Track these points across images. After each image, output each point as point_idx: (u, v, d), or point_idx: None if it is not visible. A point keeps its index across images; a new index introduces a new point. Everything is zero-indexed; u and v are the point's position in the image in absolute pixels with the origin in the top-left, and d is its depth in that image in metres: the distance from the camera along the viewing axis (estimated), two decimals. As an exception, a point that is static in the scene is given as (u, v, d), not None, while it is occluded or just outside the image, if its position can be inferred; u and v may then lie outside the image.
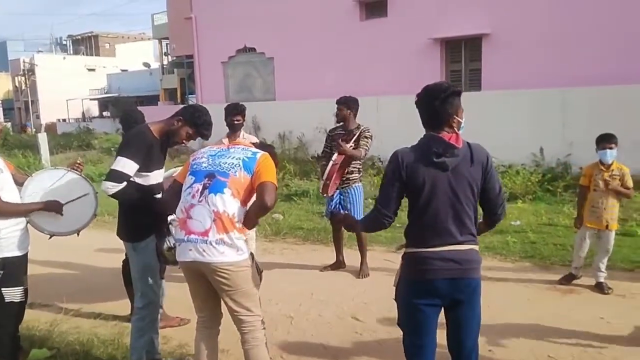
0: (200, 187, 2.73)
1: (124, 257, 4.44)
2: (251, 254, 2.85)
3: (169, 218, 3.25)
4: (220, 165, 2.77)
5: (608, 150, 4.57)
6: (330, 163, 4.91)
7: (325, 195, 5.21)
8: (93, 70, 51.40)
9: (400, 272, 2.57)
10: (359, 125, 5.20)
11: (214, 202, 2.68)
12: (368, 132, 5.12)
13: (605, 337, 3.79)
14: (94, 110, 46.32)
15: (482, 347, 2.91)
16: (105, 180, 3.10)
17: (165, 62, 32.39)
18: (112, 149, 18.68)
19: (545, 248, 5.94)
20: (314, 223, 7.62)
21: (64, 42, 70.55)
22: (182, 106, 3.48)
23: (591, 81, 10.08)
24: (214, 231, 2.67)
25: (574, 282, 4.87)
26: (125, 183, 3.06)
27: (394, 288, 2.62)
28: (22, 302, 3.26)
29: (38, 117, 44.66)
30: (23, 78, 50.29)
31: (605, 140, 4.59)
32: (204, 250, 2.67)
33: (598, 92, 9.65)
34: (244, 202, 2.76)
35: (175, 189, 2.91)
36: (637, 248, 5.79)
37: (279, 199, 9.56)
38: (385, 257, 5.85)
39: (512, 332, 3.90)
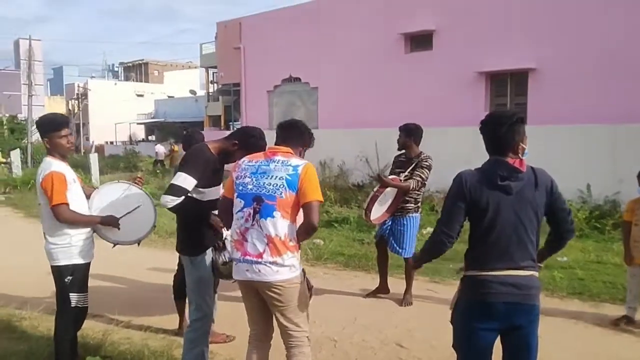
0: (251, 211, 2.83)
1: (175, 273, 4.61)
2: (303, 270, 2.93)
3: (224, 234, 3.39)
4: (265, 187, 2.82)
5: None
6: (372, 193, 4.98)
7: (368, 222, 5.25)
8: (142, 95, 53.59)
9: (458, 295, 2.60)
10: (420, 153, 5.13)
11: (265, 227, 2.78)
12: (425, 161, 5.03)
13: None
14: (140, 134, 48.07)
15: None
16: (164, 194, 3.27)
17: (211, 90, 33.40)
18: (158, 171, 19.35)
19: (594, 285, 5.77)
20: (354, 250, 7.65)
21: (116, 69, 74.10)
22: (238, 128, 3.62)
23: (642, 118, 9.87)
24: (268, 254, 2.77)
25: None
26: (183, 197, 3.21)
27: (450, 311, 2.64)
28: (85, 307, 3.45)
29: (87, 139, 46.66)
30: (76, 102, 52.85)
31: None
32: (259, 270, 2.78)
33: (650, 129, 9.45)
34: (293, 219, 2.85)
35: (226, 205, 3.01)
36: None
37: (320, 224, 9.70)
38: (429, 287, 5.82)
39: (561, 367, 3.81)
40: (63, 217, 3.26)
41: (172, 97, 48.72)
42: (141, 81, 62.78)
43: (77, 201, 3.39)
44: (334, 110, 15.71)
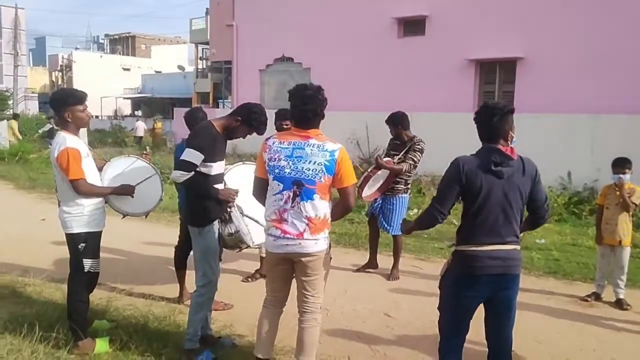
0: (291, 194, 3.00)
1: (176, 244, 4.85)
2: (329, 242, 3.18)
3: (231, 207, 3.63)
4: (304, 172, 2.98)
5: (621, 175, 4.88)
6: (365, 173, 5.26)
7: (360, 199, 5.54)
8: (128, 70, 52.89)
9: (448, 265, 2.93)
10: (413, 137, 5.40)
11: (306, 209, 2.99)
12: (418, 145, 5.31)
13: (619, 345, 4.08)
14: (126, 108, 47.57)
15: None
16: (175, 169, 3.50)
17: (200, 66, 33.16)
18: (147, 147, 19.37)
19: (568, 265, 6.17)
20: (345, 228, 7.95)
21: (101, 41, 72.71)
22: (241, 104, 3.80)
23: (623, 109, 10.25)
24: (308, 233, 3.01)
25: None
26: (193, 172, 3.43)
27: (440, 277, 2.99)
28: (97, 272, 3.68)
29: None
30: (60, 74, 51.98)
31: (618, 165, 4.92)
32: (299, 244, 3.02)
33: (629, 120, 9.84)
34: (329, 198, 3.09)
35: (261, 184, 3.19)
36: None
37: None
38: (414, 264, 6.16)
39: (532, 337, 4.16)
40: (81, 190, 3.46)
41: (160, 72, 48.20)
42: (128, 55, 61.78)
43: (90, 173, 3.59)
44: (326, 92, 15.67)
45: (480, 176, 2.72)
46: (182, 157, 3.49)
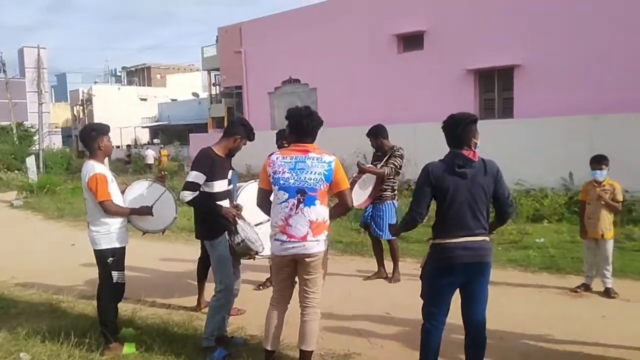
0: (295, 202, 3.42)
1: (199, 258, 5.31)
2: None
3: (239, 221, 4.10)
4: (306, 182, 3.41)
5: (598, 171, 5.25)
6: (351, 178, 5.70)
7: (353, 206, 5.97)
8: (145, 99, 54.21)
9: (427, 258, 3.35)
10: (392, 146, 5.85)
11: (308, 214, 3.43)
12: (397, 152, 5.76)
13: (603, 330, 4.39)
14: (144, 137, 48.74)
15: (492, 335, 3.55)
16: (182, 190, 3.99)
17: (213, 92, 34.01)
18: (163, 171, 20.11)
19: (562, 261, 6.48)
20: (352, 238, 8.38)
21: (119, 74, 74.80)
22: (230, 124, 4.36)
23: (621, 108, 10.52)
24: (311, 235, 3.45)
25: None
26: (197, 192, 3.93)
27: (420, 269, 3.42)
28: (123, 283, 4.17)
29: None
30: (81, 107, 53.65)
31: (595, 162, 5.27)
32: (303, 246, 3.45)
33: (626, 119, 10.11)
34: (327, 203, 3.56)
35: (264, 195, 3.65)
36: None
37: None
38: (415, 267, 6.47)
39: (521, 325, 4.51)
40: (109, 210, 3.98)
41: (175, 100, 49.33)
42: (144, 85, 63.41)
43: (115, 196, 4.11)
44: (333, 109, 16.38)
45: (447, 178, 3.14)
46: (187, 180, 4.00)
